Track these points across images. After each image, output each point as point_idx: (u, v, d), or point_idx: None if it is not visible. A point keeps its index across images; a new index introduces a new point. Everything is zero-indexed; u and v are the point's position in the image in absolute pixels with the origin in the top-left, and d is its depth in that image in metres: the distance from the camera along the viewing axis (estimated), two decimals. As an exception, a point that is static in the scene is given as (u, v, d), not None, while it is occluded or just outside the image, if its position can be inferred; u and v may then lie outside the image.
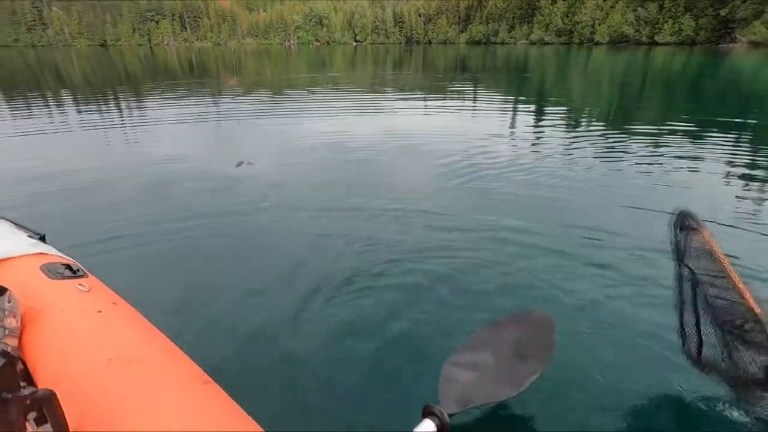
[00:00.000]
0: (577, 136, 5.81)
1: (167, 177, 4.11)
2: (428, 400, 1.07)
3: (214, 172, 4.23)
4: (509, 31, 79.92)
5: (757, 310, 1.03)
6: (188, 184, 3.88)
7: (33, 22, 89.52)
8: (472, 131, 6.15)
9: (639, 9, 59.85)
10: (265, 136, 6.17)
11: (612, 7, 63.75)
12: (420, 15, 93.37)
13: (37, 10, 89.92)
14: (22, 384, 0.59)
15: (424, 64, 25.43)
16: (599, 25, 64.97)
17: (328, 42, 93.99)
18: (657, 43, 55.66)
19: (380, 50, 53.16)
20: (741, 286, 1.06)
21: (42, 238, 1.36)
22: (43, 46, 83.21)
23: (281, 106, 9.14)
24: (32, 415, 0.60)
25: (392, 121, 7.14)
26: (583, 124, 6.92)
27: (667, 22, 56.24)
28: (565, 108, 8.50)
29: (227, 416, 0.77)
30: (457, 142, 5.41)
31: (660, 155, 4.66)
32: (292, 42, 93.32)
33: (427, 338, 1.82)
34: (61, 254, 1.26)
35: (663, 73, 16.98)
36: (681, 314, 1.35)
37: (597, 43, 63.19)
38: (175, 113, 8.17)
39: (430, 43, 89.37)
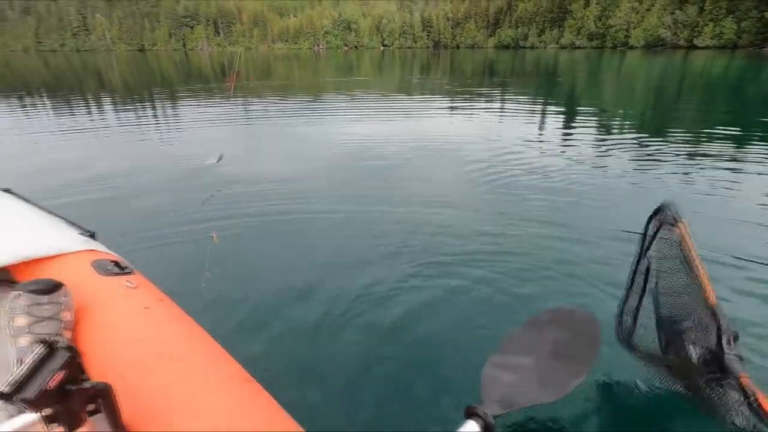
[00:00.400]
0: (610, 142, 5.64)
1: (203, 178, 4.21)
2: (468, 401, 1.05)
3: (248, 174, 4.30)
4: (539, 35, 78.71)
5: (712, 302, 1.07)
6: (224, 184, 3.96)
7: (78, 28, 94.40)
8: (500, 135, 6.07)
9: (677, 12, 57.82)
10: (294, 138, 6.27)
11: (648, 10, 61.87)
12: (448, 19, 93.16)
13: (82, 17, 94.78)
14: (83, 377, 0.62)
15: (451, 68, 25.33)
16: (634, 28, 63.14)
17: (356, 46, 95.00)
18: (696, 47, 53.63)
19: (408, 55, 53.30)
20: (704, 279, 1.09)
21: (92, 236, 1.41)
22: (86, 50, 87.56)
23: (310, 109, 9.28)
24: (90, 406, 0.62)
25: (421, 125, 7.13)
26: (616, 129, 6.72)
27: (707, 25, 54.13)
28: (597, 113, 8.28)
29: (270, 416, 0.78)
30: (486, 146, 5.35)
31: (699, 162, 4.47)
32: (321, 47, 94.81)
33: (466, 338, 1.81)
34: (109, 251, 1.31)
35: (702, 78, 16.31)
36: (625, 300, 1.43)
37: (631, 47, 61.41)
38: (207, 115, 8.43)
39: (458, 47, 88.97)
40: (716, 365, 1.02)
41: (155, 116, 8.30)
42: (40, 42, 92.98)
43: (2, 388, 0.52)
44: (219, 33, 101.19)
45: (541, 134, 6.16)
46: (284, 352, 1.73)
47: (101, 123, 7.47)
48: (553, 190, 3.67)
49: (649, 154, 4.83)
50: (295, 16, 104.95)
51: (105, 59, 43.61)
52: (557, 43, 74.13)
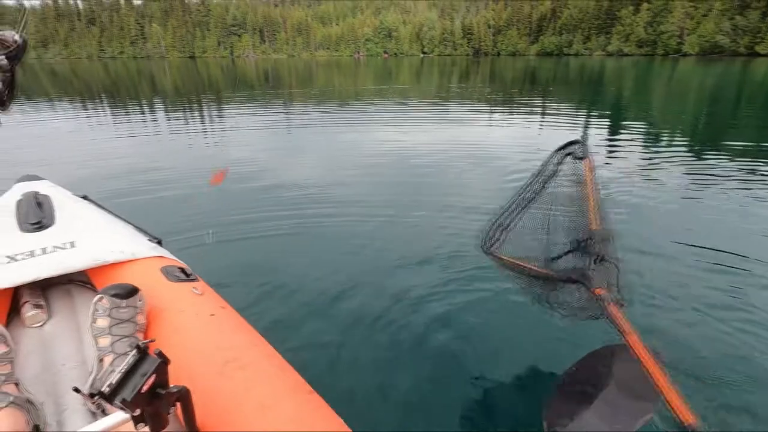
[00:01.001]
0: (661, 154, 5.40)
1: (254, 183, 4.31)
2: (532, 427, 1.04)
3: (299, 179, 4.41)
4: (584, 42, 76.35)
5: (592, 227, 1.23)
6: (277, 190, 4.05)
7: (136, 37, 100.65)
8: (541, 144, 5.94)
9: (737, 17, 54.44)
10: (334, 144, 6.41)
11: (704, 15, 58.62)
12: (489, 27, 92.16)
13: (140, 26, 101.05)
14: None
15: (491, 76, 25.02)
16: (688, 35, 59.97)
17: (395, 54, 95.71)
18: (758, 54, 50.19)
19: (447, 62, 53.14)
20: (593, 208, 1.25)
21: (159, 242, 1.51)
22: (142, 57, 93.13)
23: (348, 115, 9.45)
24: (172, 409, 0.66)
25: (459, 133, 7.10)
26: (665, 140, 6.42)
27: (771, 30, 50.61)
28: (645, 123, 7.93)
29: (332, 429, 0.79)
30: (526, 155, 5.25)
31: (761, 178, 4.19)
32: (361, 54, 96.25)
33: (529, 362, 1.74)
34: (175, 258, 1.37)
35: (765, 87, 15.26)
36: (500, 215, 1.53)
37: (684, 55, 58.34)
38: (254, 120, 8.75)
39: (498, 54, 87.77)
40: (580, 275, 1.17)
41: (201, 119, 8.71)
42: (102, 50, 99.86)
43: (103, 388, 0.57)
44: (264, 41, 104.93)
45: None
46: (343, 364, 1.73)
47: (152, 126, 7.94)
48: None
49: (704, 168, 4.59)
50: (337, 24, 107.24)
51: (159, 65, 46.24)
52: (603, 50, 71.59)
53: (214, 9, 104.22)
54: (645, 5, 66.51)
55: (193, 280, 1.22)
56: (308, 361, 1.70)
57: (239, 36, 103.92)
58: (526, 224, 1.51)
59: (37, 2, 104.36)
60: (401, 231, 3.13)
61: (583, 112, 9.48)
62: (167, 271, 1.21)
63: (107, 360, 0.92)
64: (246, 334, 1.02)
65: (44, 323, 1.13)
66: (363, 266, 2.58)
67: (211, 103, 11.85)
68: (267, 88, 17.44)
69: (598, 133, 6.85)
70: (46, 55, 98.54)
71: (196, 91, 16.38)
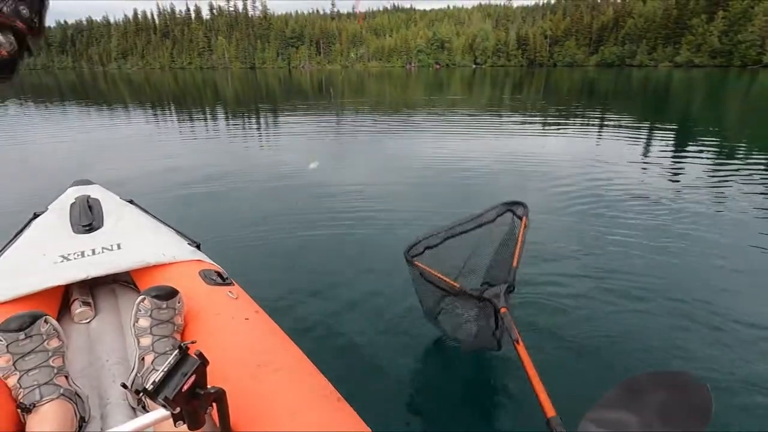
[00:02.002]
0: (733, 172, 4.93)
1: (296, 191, 4.40)
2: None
3: (342, 188, 4.48)
4: (649, 53, 72.21)
5: (514, 266, 1.53)
6: (319, 198, 4.12)
7: (203, 49, 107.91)
8: (598, 159, 5.63)
9: (830, 25, 49.23)
10: (382, 152, 6.46)
11: (790, 23, 53.56)
12: (546, 37, 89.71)
13: (207, 39, 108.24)
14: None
15: (546, 87, 24.25)
16: (771, 44, 54.98)
17: (447, 65, 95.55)
18: None
19: (500, 73, 52.23)
20: (517, 253, 1.56)
21: (198, 246, 1.57)
22: (208, 68, 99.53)
23: (398, 125, 9.50)
24: (209, 409, 0.68)
25: (507, 144, 6.91)
26: (739, 157, 5.87)
27: None
28: (717, 139, 7.32)
29: None
30: (581, 170, 5.01)
31: None
32: (412, 65, 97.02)
33: (562, 389, 1.66)
34: (212, 262, 1.43)
35: None
36: (429, 235, 1.76)
37: (766, 66, 53.49)
38: (306, 128, 9.04)
39: (555, 65, 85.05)
40: (492, 295, 1.42)
41: (259, 127, 9.12)
42: (173, 61, 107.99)
43: (147, 386, 0.60)
44: (320, 52, 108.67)
45: (646, 160, 5.59)
46: (374, 373, 1.72)
47: (209, 133, 8.41)
48: (656, 224, 3.29)
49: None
50: (390, 35, 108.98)
51: (222, 75, 49.18)
52: (671, 61, 67.30)
53: (274, 22, 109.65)
54: (720, 13, 61.92)
55: (229, 284, 1.25)
56: (338, 368, 1.69)
57: (297, 48, 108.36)
58: (450, 250, 1.74)
59: (121, 17, 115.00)
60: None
61: (646, 126, 8.91)
62: (205, 275, 1.25)
63: (148, 359, 0.95)
64: (278, 339, 1.03)
65: (91, 320, 1.20)
66: (402, 278, 2.52)
67: (267, 112, 12.40)
68: (320, 97, 17.99)
69: (661, 149, 6.40)
70: (125, 65, 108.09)
71: (254, 99, 17.22)
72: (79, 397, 0.87)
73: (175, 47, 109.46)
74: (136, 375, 0.94)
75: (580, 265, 2.68)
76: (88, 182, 1.93)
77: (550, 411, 1.06)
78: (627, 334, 1.97)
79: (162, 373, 0.62)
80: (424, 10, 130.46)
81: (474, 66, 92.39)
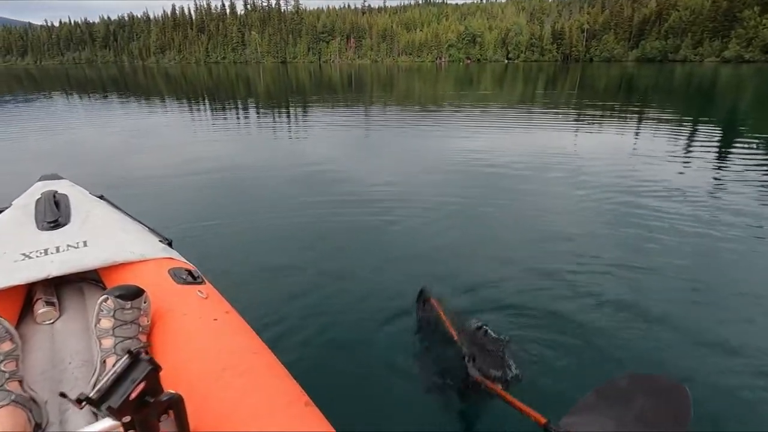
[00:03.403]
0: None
1: (286, 187, 4.26)
2: None
3: (347, 185, 4.41)
4: (695, 47, 68.53)
5: (455, 337, 1.61)
6: (306, 195, 3.99)
7: (237, 44, 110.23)
8: (633, 161, 5.33)
9: None
10: (408, 147, 6.35)
11: None
12: (583, 31, 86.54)
13: (241, 34, 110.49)
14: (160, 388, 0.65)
15: (580, 83, 23.39)
16: (831, 38, 51.08)
17: (478, 60, 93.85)
18: None
19: (533, 68, 50.86)
20: (451, 328, 1.66)
21: (169, 243, 1.49)
22: (241, 62, 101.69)
23: (425, 120, 9.34)
24: (163, 416, 0.65)
25: (536, 141, 6.66)
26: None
27: None
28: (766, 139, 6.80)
29: None
30: (615, 170, 4.75)
31: None
32: (443, 60, 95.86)
33: (545, 384, 1.61)
34: (184, 260, 1.36)
35: None
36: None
37: (825, 61, 49.77)
38: (326, 124, 9.02)
39: (591, 60, 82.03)
40: (465, 371, 1.46)
41: (288, 120, 9.17)
42: (208, 55, 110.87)
43: (91, 394, 0.56)
44: (350, 47, 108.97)
45: (687, 163, 5.23)
46: (345, 378, 1.67)
47: (243, 124, 8.51)
48: (695, 231, 3.05)
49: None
50: (421, 30, 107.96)
51: (254, 70, 50.10)
52: (718, 56, 63.66)
53: (306, 17, 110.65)
54: (775, 5, 58.03)
55: (199, 283, 1.19)
56: (311, 371, 1.65)
57: (327, 43, 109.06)
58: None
59: (160, 13, 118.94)
60: (466, 237, 2.99)
61: (687, 125, 8.38)
62: (174, 273, 1.19)
63: (110, 361, 0.90)
64: (248, 341, 0.98)
65: (55, 320, 1.14)
66: (383, 280, 2.43)
67: (293, 106, 12.47)
68: (349, 92, 17.99)
69: (704, 151, 5.99)
70: (163, 59, 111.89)
71: (284, 92, 17.40)
72: (35, 402, 0.82)
73: (210, 42, 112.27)
74: (97, 378, 0.89)
75: (590, 263, 2.53)
76: (56, 177, 1.87)
77: (542, 418, 1.12)
78: (627, 335, 1.89)
79: (109, 380, 0.58)
80: (456, 4, 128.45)
81: (506, 61, 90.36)
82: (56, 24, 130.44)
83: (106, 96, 15.98)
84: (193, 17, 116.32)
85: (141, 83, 25.68)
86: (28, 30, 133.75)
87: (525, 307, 2.10)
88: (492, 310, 2.09)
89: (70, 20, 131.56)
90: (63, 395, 0.60)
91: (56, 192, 1.60)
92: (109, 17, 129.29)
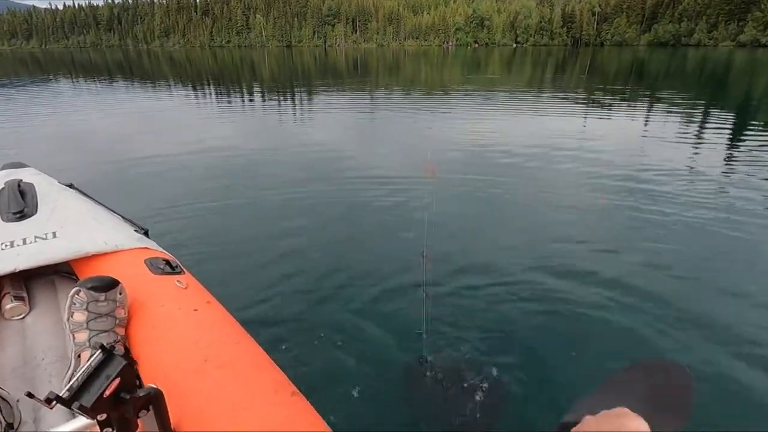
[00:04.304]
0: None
1: (268, 173, 4.12)
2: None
3: (338, 169, 4.32)
4: (709, 31, 66.71)
5: None
6: (289, 181, 3.86)
7: (241, 27, 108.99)
8: (643, 148, 5.20)
9: None
10: (411, 132, 6.24)
11: None
12: (594, 14, 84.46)
13: (245, 17, 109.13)
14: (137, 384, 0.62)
15: (590, 68, 22.89)
16: None
17: (486, 44, 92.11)
18: None
19: (542, 52, 49.83)
20: None
21: (146, 233, 1.44)
22: (245, 46, 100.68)
23: (430, 104, 9.19)
24: (142, 412, 0.63)
25: (544, 126, 6.51)
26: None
27: None
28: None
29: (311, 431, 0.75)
30: (624, 157, 4.64)
31: None
32: (450, 44, 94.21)
33: (555, 373, 1.57)
34: (161, 249, 1.31)
35: None
36: None
37: (844, 46, 48.29)
38: (328, 109, 8.89)
39: (602, 44, 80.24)
40: None
41: (290, 106, 9.06)
42: (212, 39, 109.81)
43: (62, 393, 0.53)
44: (356, 30, 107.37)
45: (696, 150, 5.10)
46: (332, 365, 1.63)
47: (240, 110, 8.41)
48: (704, 220, 2.97)
49: None
50: (428, 13, 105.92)
51: (259, 54, 49.57)
52: (733, 41, 61.99)
53: (311, 0, 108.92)
54: (795, -14, 56.15)
55: (178, 273, 1.15)
56: (299, 361, 1.61)
57: (333, 26, 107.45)
58: None
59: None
60: (464, 223, 2.93)
61: (698, 111, 8.17)
62: (151, 263, 1.15)
63: (85, 356, 0.86)
64: (229, 331, 0.94)
65: (25, 315, 1.10)
66: (374, 267, 2.36)
67: (302, 89, 12.31)
68: (354, 77, 17.74)
69: (715, 140, 5.83)
70: (167, 43, 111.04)
71: (289, 77, 17.19)
72: (6, 401, 0.79)
73: (214, 26, 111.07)
74: (72, 374, 0.85)
75: (595, 254, 2.46)
76: (21, 165, 1.79)
77: None
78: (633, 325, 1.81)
79: (81, 377, 0.55)
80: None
81: (515, 45, 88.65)
82: (60, 7, 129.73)
83: (112, 80, 15.89)
84: (197, 0, 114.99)
85: (146, 67, 25.49)
86: (33, 13, 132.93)
87: (528, 292, 2.08)
88: (496, 295, 2.06)
89: (74, 3, 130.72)
90: (30, 395, 0.56)
91: (21, 181, 1.53)
92: (113, 0, 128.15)
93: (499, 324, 1.85)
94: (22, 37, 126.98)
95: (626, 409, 0.44)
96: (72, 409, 0.54)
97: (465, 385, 1.50)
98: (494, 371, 1.56)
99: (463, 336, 1.76)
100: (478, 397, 1.45)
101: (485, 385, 1.49)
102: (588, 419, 0.47)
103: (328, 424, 0.76)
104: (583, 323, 1.85)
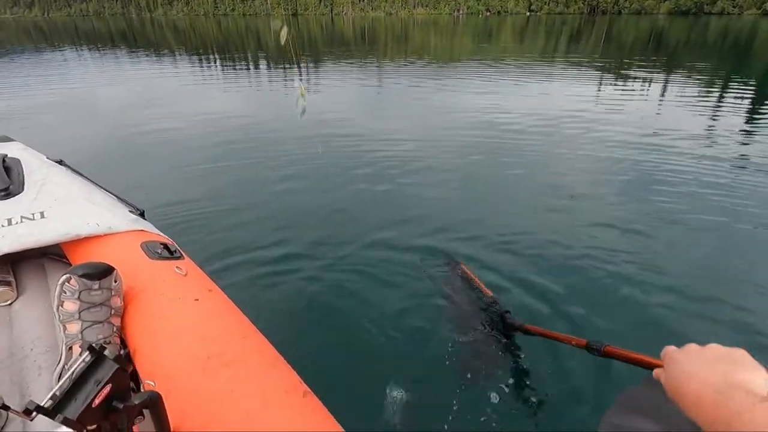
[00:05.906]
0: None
1: (269, 151, 3.85)
2: None
3: (349, 146, 4.15)
4: (734, -2, 63.60)
5: (489, 294, 1.80)
6: (299, 156, 3.67)
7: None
8: (658, 124, 5.02)
9: None
10: (418, 105, 6.08)
11: None
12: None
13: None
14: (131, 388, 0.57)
15: (606, 38, 22.00)
16: None
17: (498, 12, 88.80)
18: None
19: (556, 21, 47.97)
20: (482, 287, 1.84)
21: (142, 214, 1.35)
22: (250, 15, 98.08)
23: (438, 77, 8.93)
24: (138, 418, 0.57)
25: (557, 98, 6.30)
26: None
27: None
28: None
29: None
30: (637, 128, 4.49)
31: None
32: (461, 12, 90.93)
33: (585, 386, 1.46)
34: (158, 232, 1.24)
35: None
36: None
37: None
38: (335, 80, 8.68)
39: (620, 13, 76.98)
40: (502, 323, 1.62)
41: (299, 77, 8.85)
42: (216, 7, 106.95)
43: (44, 402, 0.47)
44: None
45: (712, 126, 4.90)
46: (343, 362, 1.52)
47: (242, 81, 8.23)
48: (722, 206, 2.84)
49: None
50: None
51: (264, 23, 48.26)
52: (759, 8, 59.08)
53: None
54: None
55: (177, 258, 1.08)
56: (311, 358, 1.49)
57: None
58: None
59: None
60: (465, 203, 2.84)
61: (718, 84, 7.84)
62: (148, 247, 1.08)
63: (76, 349, 0.80)
64: (235, 323, 0.87)
65: (13, 301, 1.05)
66: (389, 254, 2.19)
67: (307, 59, 12.02)
68: (362, 46, 17.26)
69: (735, 115, 5.60)
70: (171, 11, 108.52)
71: (295, 48, 16.71)
72: None
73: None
74: (63, 368, 0.80)
75: (613, 241, 2.37)
76: (6, 139, 1.68)
77: (582, 341, 1.17)
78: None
79: (66, 383, 0.49)
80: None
81: (528, 13, 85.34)
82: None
83: (114, 47, 15.61)
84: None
85: (150, 37, 24.96)
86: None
87: (541, 270, 2.03)
88: (509, 271, 2.02)
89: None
90: (5, 408, 0.50)
91: (6, 156, 1.43)
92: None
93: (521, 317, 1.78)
94: (24, 5, 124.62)
95: (743, 351, 0.39)
96: (56, 422, 0.48)
97: (482, 386, 1.44)
98: (513, 373, 1.50)
99: (479, 338, 1.68)
100: (494, 400, 1.39)
101: (504, 387, 1.44)
102: (694, 349, 0.43)
103: (343, 427, 0.70)
104: (615, 319, 1.75)
